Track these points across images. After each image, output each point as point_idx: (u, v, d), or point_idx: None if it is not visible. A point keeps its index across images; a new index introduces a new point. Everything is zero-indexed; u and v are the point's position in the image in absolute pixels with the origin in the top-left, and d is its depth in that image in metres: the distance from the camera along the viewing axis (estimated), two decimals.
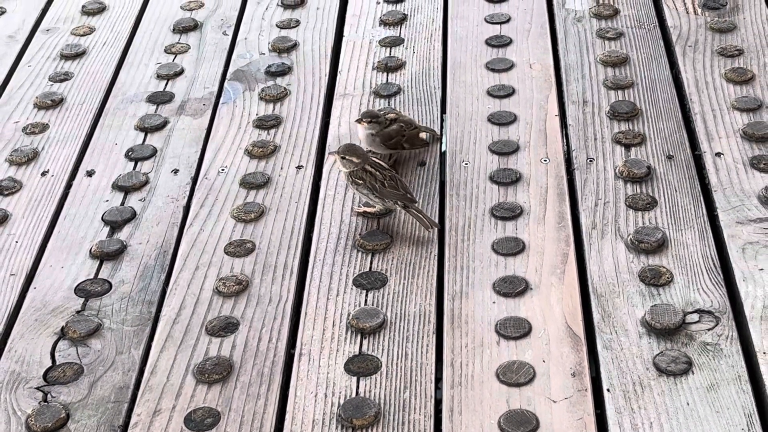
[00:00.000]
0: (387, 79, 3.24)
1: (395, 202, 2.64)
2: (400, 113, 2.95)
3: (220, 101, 3.20)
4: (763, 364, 2.26)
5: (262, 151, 2.97)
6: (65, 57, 3.45)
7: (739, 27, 3.33)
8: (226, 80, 3.29)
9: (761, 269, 2.48)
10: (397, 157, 2.91)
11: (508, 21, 3.45)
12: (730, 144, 2.88)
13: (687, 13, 3.42)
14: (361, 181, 2.66)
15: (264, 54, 3.40)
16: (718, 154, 2.85)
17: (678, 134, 2.94)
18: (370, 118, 2.85)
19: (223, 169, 2.92)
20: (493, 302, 2.45)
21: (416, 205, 2.66)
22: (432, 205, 2.75)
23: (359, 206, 2.73)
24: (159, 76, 3.32)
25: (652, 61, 3.23)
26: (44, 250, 2.69)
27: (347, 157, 2.67)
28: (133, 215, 2.78)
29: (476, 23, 3.45)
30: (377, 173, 2.66)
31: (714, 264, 2.51)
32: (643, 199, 2.71)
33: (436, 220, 2.67)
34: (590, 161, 2.86)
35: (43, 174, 2.94)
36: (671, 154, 2.87)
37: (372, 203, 2.69)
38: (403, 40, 3.40)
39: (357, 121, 2.88)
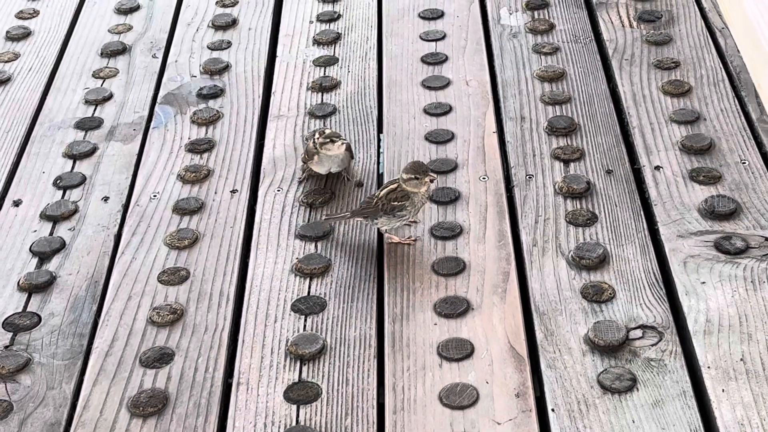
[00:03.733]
0: (322, 99, 3.20)
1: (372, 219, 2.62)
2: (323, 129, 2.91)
3: (151, 126, 3.13)
4: (708, 378, 2.23)
5: (195, 176, 2.91)
6: None
7: (675, 39, 3.33)
8: (157, 104, 3.22)
9: (703, 282, 2.46)
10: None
11: (443, 38, 3.42)
12: (669, 157, 2.87)
13: (623, 26, 3.41)
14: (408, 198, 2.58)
15: (195, 76, 3.34)
16: (658, 168, 2.83)
17: (617, 148, 2.92)
18: (336, 137, 2.80)
19: (155, 195, 2.85)
20: (435, 324, 2.41)
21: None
22: (370, 226, 2.70)
23: (390, 236, 2.63)
24: (87, 102, 3.24)
25: (588, 75, 3.22)
26: None
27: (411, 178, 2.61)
28: (63, 245, 2.70)
29: (411, 40, 3.42)
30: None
31: (656, 278, 2.49)
32: (583, 214, 2.69)
33: (372, 243, 2.62)
34: (529, 178, 2.83)
35: None
36: (610, 168, 2.85)
37: (409, 217, 2.61)
38: (337, 59, 3.36)
39: (331, 141, 2.79)
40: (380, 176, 2.90)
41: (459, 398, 2.22)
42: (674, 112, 3.02)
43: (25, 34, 3.59)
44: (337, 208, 2.77)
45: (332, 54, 3.39)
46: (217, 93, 3.25)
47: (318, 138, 2.81)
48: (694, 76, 3.17)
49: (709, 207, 2.67)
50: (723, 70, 3.19)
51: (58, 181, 2.93)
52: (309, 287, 2.54)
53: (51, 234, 2.75)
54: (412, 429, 2.17)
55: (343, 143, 2.81)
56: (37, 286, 2.58)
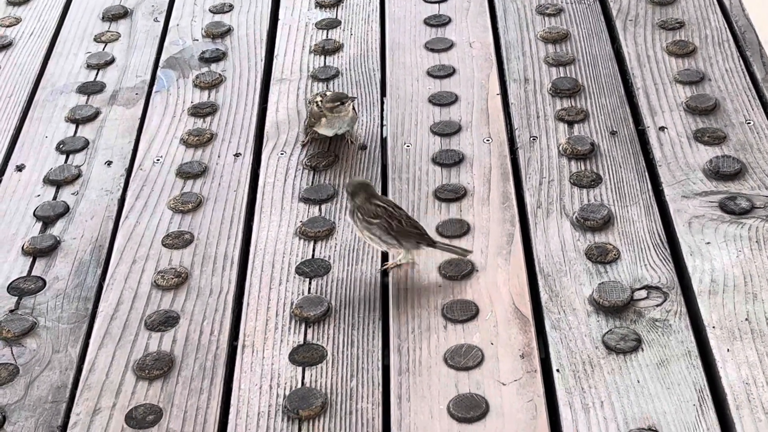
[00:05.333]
0: (325, 62, 3.18)
1: (417, 245, 2.38)
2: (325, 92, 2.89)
3: (153, 90, 3.12)
4: (713, 338, 2.24)
5: (198, 140, 2.90)
6: None
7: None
8: (159, 68, 3.21)
9: (708, 243, 2.46)
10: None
11: (446, 0, 3.40)
12: (674, 118, 2.85)
13: None
14: (376, 220, 2.37)
15: (197, 40, 3.33)
16: (662, 129, 2.82)
17: (621, 110, 2.91)
18: (343, 98, 2.77)
19: (158, 160, 2.85)
20: (439, 286, 2.41)
21: (438, 241, 2.41)
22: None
23: (384, 263, 2.44)
24: (89, 66, 3.23)
25: (592, 37, 3.20)
26: None
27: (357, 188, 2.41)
28: (66, 210, 2.70)
29: (414, 3, 3.40)
30: (391, 209, 2.37)
31: (661, 239, 2.49)
32: (587, 176, 2.68)
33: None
34: (533, 140, 2.82)
35: None
36: (615, 129, 2.84)
37: (389, 244, 2.38)
38: (339, 22, 3.34)
39: (341, 104, 2.76)
40: (383, 139, 2.88)
41: (464, 359, 2.22)
42: (679, 73, 3.00)
43: None
44: (340, 171, 2.76)
45: (334, 17, 3.37)
46: (219, 56, 3.23)
47: (323, 101, 2.79)
48: (698, 37, 3.15)
49: (714, 167, 2.66)
50: (728, 30, 3.17)
51: (60, 146, 2.92)
52: (313, 250, 2.54)
53: (54, 198, 2.74)
54: (418, 390, 2.18)
55: (350, 103, 2.79)
56: (41, 251, 2.57)
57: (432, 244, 2.40)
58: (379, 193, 2.56)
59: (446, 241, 2.47)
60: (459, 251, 2.42)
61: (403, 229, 2.38)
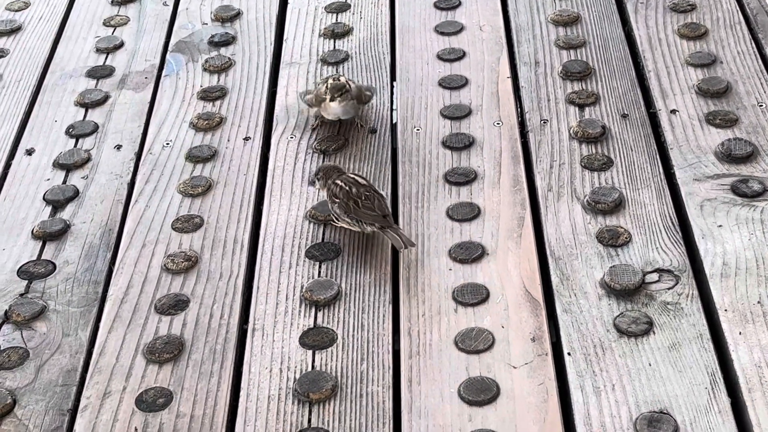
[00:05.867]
0: (334, 45, 3.17)
1: (372, 225, 2.43)
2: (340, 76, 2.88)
3: (163, 74, 3.11)
4: (725, 321, 2.22)
5: (208, 124, 2.89)
6: None
7: None
8: (168, 52, 3.20)
9: (720, 226, 2.45)
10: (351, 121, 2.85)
11: None
12: (685, 100, 2.84)
13: None
14: (337, 200, 2.46)
15: (206, 24, 3.32)
16: (673, 111, 2.81)
17: (632, 92, 2.89)
18: (339, 91, 2.76)
19: (167, 143, 2.84)
20: (450, 269, 2.40)
21: (393, 226, 2.43)
22: (384, 172, 2.69)
23: (337, 220, 2.50)
24: (98, 50, 3.23)
25: (603, 19, 3.18)
26: None
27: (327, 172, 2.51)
28: (76, 193, 2.70)
29: None
30: (353, 189, 2.45)
31: (672, 222, 2.48)
32: (598, 159, 2.67)
33: (386, 189, 2.60)
34: (544, 123, 2.81)
35: None
36: (626, 112, 2.82)
37: (350, 225, 2.46)
38: (349, 5, 3.33)
39: (330, 100, 2.77)
40: (393, 123, 2.87)
41: (475, 342, 2.22)
42: (690, 55, 2.99)
43: None
44: (350, 155, 2.75)
45: (344, 0, 3.36)
46: (228, 40, 3.22)
47: (325, 90, 2.78)
48: (710, 19, 3.13)
49: (726, 150, 2.65)
50: (740, 12, 3.15)
51: (70, 130, 2.92)
52: (323, 234, 2.53)
53: (64, 182, 2.74)
54: (428, 373, 2.17)
55: (343, 100, 2.76)
56: (51, 234, 2.57)
57: (382, 228, 2.42)
58: (356, 173, 2.58)
59: (396, 229, 2.43)
60: (400, 242, 2.39)
61: (360, 211, 2.42)
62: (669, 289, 2.31)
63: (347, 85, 2.78)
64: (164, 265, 2.47)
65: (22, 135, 2.92)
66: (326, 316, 2.32)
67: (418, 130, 2.82)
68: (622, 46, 3.07)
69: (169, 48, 3.22)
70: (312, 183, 2.60)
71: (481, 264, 2.41)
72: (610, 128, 2.77)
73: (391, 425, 2.09)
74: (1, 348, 2.29)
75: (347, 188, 2.46)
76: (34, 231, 2.59)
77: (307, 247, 2.49)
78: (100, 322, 2.35)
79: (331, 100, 2.77)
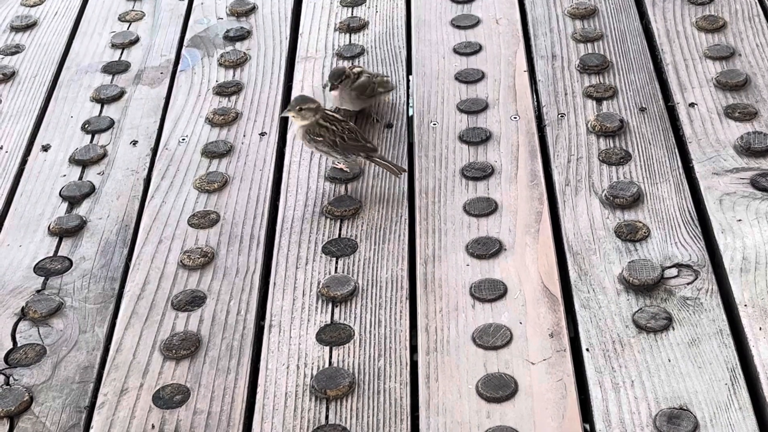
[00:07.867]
0: (350, 40, 3.16)
1: (358, 155, 2.57)
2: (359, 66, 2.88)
3: (178, 69, 3.11)
4: (745, 316, 2.21)
5: (224, 119, 2.89)
6: (15, 29, 3.34)
7: None
8: (184, 47, 3.19)
9: (739, 220, 2.43)
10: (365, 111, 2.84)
11: None
12: (704, 94, 2.82)
13: None
14: (320, 138, 2.57)
15: (222, 19, 3.31)
16: (692, 105, 2.79)
17: (650, 86, 2.87)
18: (338, 78, 2.76)
19: (183, 139, 2.84)
20: (467, 265, 2.39)
21: (378, 153, 2.59)
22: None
23: (335, 163, 2.65)
24: (114, 46, 3.22)
25: (621, 12, 3.16)
26: (1, 229, 2.61)
27: (305, 107, 2.58)
28: (92, 189, 2.69)
29: None
30: (334, 127, 2.57)
31: (691, 217, 2.46)
32: (616, 153, 2.65)
33: (403, 184, 2.60)
34: (561, 117, 2.79)
35: None
36: (644, 106, 2.80)
37: (336, 160, 2.61)
38: None
39: (330, 89, 2.78)
40: (410, 118, 2.86)
41: (492, 338, 2.21)
42: (708, 48, 2.96)
43: None
44: None
45: None
46: (244, 35, 3.21)
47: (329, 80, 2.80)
48: (728, 11, 3.11)
49: (745, 144, 2.62)
50: (758, 4, 3.13)
51: (86, 126, 2.91)
52: (340, 229, 2.52)
53: (80, 178, 2.74)
54: (446, 370, 2.16)
55: (342, 82, 2.76)
56: (67, 231, 2.57)
57: (369, 157, 2.57)
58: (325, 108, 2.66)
59: (382, 156, 2.61)
60: (392, 169, 2.56)
61: (347, 144, 2.56)
62: (688, 284, 2.29)
63: (346, 71, 2.78)
64: (181, 261, 2.46)
65: (38, 131, 2.92)
66: (343, 312, 2.31)
67: (434, 124, 2.81)
68: (640, 39, 3.05)
69: (185, 43, 3.21)
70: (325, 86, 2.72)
71: (499, 259, 2.40)
72: (628, 122, 2.75)
73: (409, 422, 2.08)
74: (18, 345, 2.29)
75: (330, 125, 2.57)
76: (51, 227, 2.59)
77: (324, 242, 2.48)
78: (117, 319, 2.34)
79: (332, 88, 2.77)
